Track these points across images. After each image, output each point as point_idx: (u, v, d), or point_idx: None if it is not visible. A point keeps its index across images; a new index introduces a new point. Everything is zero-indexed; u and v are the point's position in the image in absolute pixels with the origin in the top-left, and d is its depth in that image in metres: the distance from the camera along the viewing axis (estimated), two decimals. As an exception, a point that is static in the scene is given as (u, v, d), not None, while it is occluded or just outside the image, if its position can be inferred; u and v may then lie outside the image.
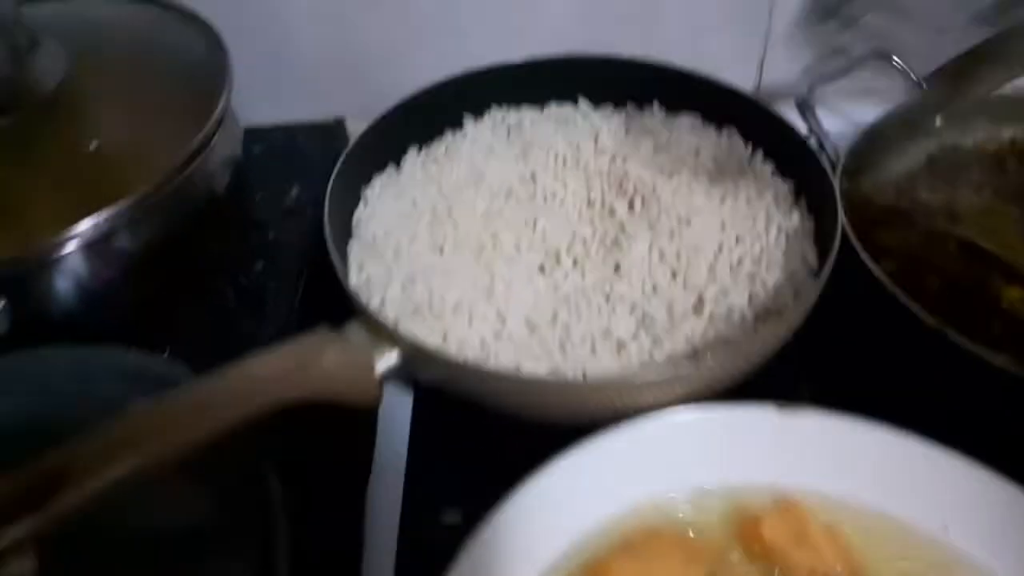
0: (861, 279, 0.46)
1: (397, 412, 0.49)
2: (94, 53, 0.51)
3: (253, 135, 0.63)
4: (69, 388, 0.42)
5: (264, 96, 0.64)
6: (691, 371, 0.43)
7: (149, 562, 0.38)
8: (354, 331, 0.43)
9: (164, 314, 0.51)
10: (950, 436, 0.40)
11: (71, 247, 0.44)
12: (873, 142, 0.53)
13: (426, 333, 0.45)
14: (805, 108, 0.57)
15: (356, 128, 0.65)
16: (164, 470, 0.35)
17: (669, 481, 0.41)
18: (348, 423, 0.46)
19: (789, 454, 0.41)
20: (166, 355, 0.48)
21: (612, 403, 0.41)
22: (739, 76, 0.59)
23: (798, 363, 0.47)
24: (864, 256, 0.46)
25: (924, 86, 0.54)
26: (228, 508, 0.39)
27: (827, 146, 0.54)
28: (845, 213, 0.47)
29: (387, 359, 0.42)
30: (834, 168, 0.51)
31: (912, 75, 0.55)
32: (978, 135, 0.58)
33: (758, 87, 0.68)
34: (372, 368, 0.42)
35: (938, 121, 0.56)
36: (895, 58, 0.56)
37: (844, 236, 0.47)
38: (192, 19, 0.55)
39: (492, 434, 0.46)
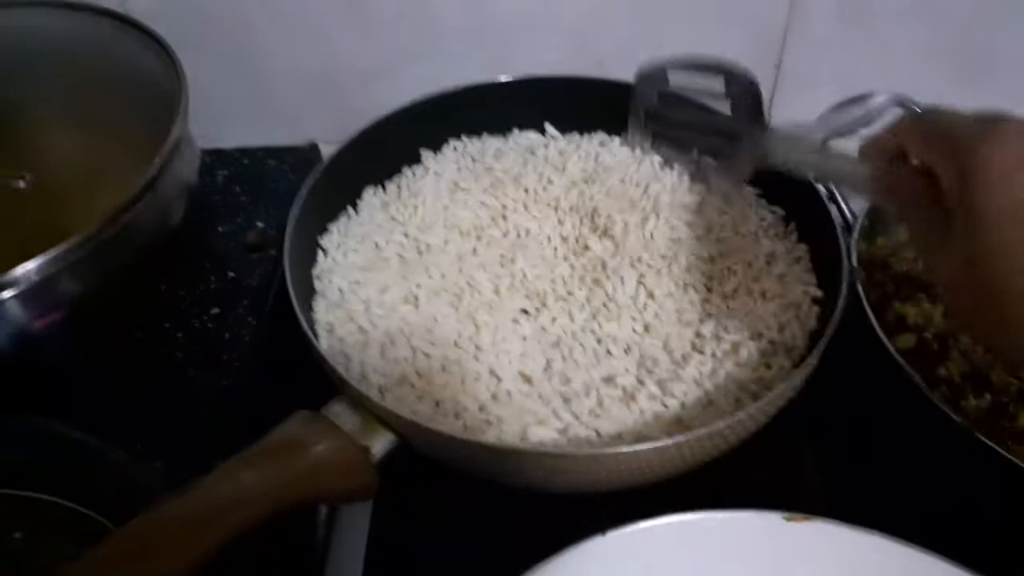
0: (876, 354, 0.41)
1: (354, 518, 0.44)
2: (34, 69, 0.46)
3: (217, 158, 0.59)
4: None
5: (231, 116, 0.59)
6: (709, 429, 0.38)
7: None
8: (340, 411, 0.38)
9: (105, 366, 0.46)
10: (975, 546, 0.35)
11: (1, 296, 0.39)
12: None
13: (415, 401, 0.41)
14: (818, 159, 0.52)
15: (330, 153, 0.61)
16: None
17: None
18: (298, 527, 0.41)
19: (794, 565, 0.36)
20: (110, 411, 0.43)
21: (629, 469, 0.37)
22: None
23: (810, 449, 0.43)
24: (879, 330, 0.41)
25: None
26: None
27: (840, 202, 0.50)
28: (860, 279, 0.43)
29: (383, 442, 0.37)
30: (849, 229, 0.47)
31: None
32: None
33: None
34: (367, 454, 0.37)
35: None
36: (917, 109, 0.51)
37: (858, 304, 0.42)
38: (144, 34, 0.50)
39: (461, 536, 0.42)
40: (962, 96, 0.59)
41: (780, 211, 0.51)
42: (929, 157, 0.34)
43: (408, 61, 0.59)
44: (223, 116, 0.58)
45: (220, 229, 0.54)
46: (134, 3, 0.54)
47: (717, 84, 0.49)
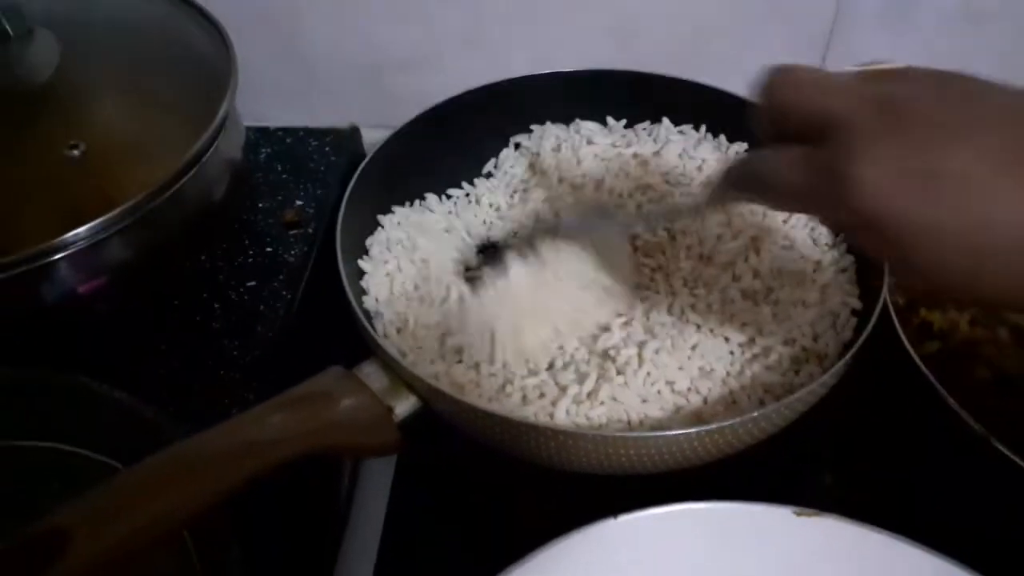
0: (899, 358, 0.41)
1: (378, 474, 0.46)
2: (90, 46, 0.48)
3: (260, 136, 0.60)
4: (25, 412, 0.40)
5: (276, 96, 0.61)
6: (722, 425, 0.38)
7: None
8: (370, 372, 0.39)
9: (143, 329, 0.48)
10: (989, 552, 0.36)
11: (50, 259, 0.41)
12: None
13: (441, 369, 0.42)
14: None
15: (371, 137, 0.62)
16: (171, 532, 0.33)
17: (668, 576, 0.37)
18: (322, 480, 0.43)
19: (804, 560, 0.37)
20: (147, 373, 0.45)
21: (640, 456, 0.38)
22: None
23: (824, 449, 0.44)
24: (903, 337, 0.41)
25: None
26: (186, 567, 0.36)
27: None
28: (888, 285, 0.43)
29: (406, 404, 0.39)
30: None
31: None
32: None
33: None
34: (391, 414, 0.38)
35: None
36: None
37: (884, 309, 0.42)
38: (197, 13, 0.51)
39: (478, 505, 0.43)
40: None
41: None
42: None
43: (450, 50, 0.60)
44: (268, 96, 0.60)
45: (260, 205, 0.56)
46: (189, -17, 0.56)
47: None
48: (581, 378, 0.42)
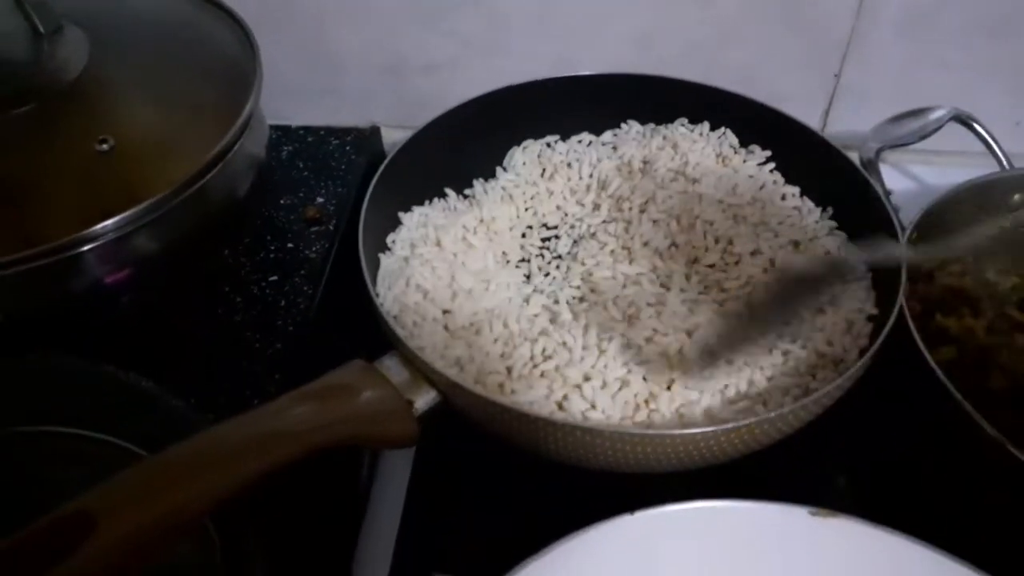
0: (914, 363, 0.42)
1: (397, 466, 0.46)
2: (118, 43, 0.49)
3: (283, 135, 0.61)
4: (51, 400, 0.40)
5: (298, 96, 0.61)
6: (760, 417, 0.38)
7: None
8: (391, 365, 0.40)
9: (167, 321, 0.48)
10: (1004, 557, 0.36)
11: (78, 251, 0.41)
12: (943, 213, 0.49)
13: (461, 365, 0.43)
14: (870, 168, 0.52)
15: (391, 137, 0.63)
16: (194, 520, 0.33)
17: (681, 573, 0.38)
18: (342, 470, 0.43)
19: (818, 560, 0.37)
20: (169, 365, 0.46)
21: (656, 453, 0.38)
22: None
23: (839, 452, 0.44)
24: (920, 341, 0.42)
25: (1005, 162, 0.49)
26: (207, 555, 0.37)
27: (891, 214, 0.50)
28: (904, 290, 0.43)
29: (426, 398, 0.39)
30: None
31: (995, 145, 0.51)
32: (1059, 214, 0.53)
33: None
34: (411, 407, 0.39)
35: (1016, 197, 0.51)
36: (977, 125, 0.51)
37: (901, 314, 0.43)
38: (223, 12, 0.52)
39: (496, 498, 0.44)
40: (1021, 112, 0.59)
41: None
42: None
43: (471, 53, 0.61)
44: (291, 95, 0.61)
45: (282, 202, 0.56)
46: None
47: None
48: (602, 376, 0.42)
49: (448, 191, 0.55)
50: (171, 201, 0.43)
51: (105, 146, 0.44)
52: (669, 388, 0.42)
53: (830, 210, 0.53)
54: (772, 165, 0.55)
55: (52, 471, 0.41)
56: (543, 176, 0.56)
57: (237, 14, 0.52)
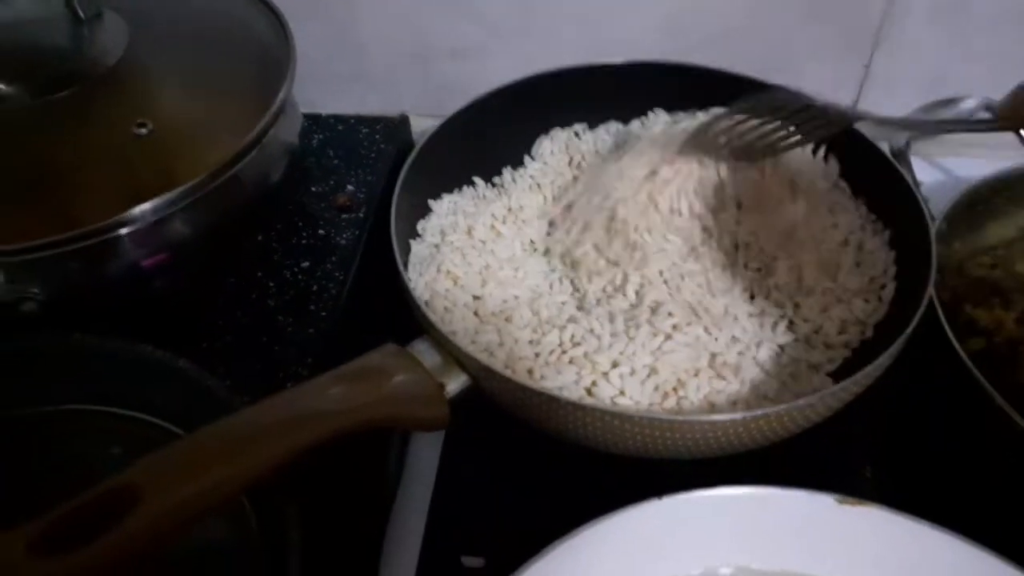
0: (943, 355, 0.42)
1: (426, 451, 0.47)
2: (156, 30, 0.50)
3: (313, 123, 0.62)
4: (91, 378, 0.41)
5: (330, 84, 0.62)
6: (788, 404, 0.38)
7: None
8: (423, 349, 0.40)
9: (201, 304, 0.49)
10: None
11: (116, 233, 0.42)
12: (973, 205, 0.49)
13: (493, 350, 0.44)
14: (900, 158, 0.52)
15: (420, 126, 0.64)
16: (232, 495, 0.34)
17: (709, 559, 0.38)
18: (373, 453, 0.44)
19: (844, 547, 0.37)
20: (203, 347, 0.47)
21: (684, 439, 0.38)
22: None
23: (864, 443, 0.44)
24: (950, 333, 0.42)
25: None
26: (242, 531, 0.38)
27: (920, 201, 0.50)
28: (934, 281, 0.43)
29: (458, 382, 0.40)
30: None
31: (1025, 136, 0.50)
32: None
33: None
34: (442, 390, 0.40)
35: (1048, 188, 0.51)
36: (1008, 115, 0.51)
37: (930, 305, 0.43)
38: (260, 2, 0.53)
39: (524, 482, 0.44)
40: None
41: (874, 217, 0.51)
42: None
43: (500, 41, 0.61)
44: (321, 83, 0.61)
45: (313, 189, 0.57)
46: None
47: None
48: (631, 363, 0.43)
49: (476, 180, 0.55)
50: (207, 185, 0.44)
51: (143, 130, 0.45)
52: (697, 375, 0.43)
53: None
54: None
55: (92, 448, 0.42)
56: (570, 165, 0.56)
57: (271, 1, 0.53)
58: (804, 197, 0.50)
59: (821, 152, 0.53)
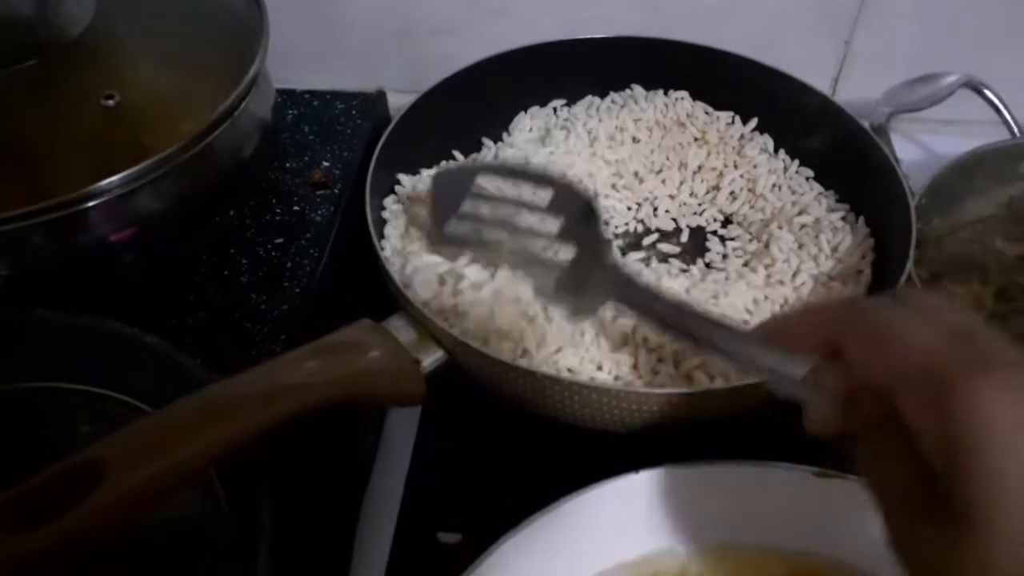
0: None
1: (402, 427, 0.46)
2: (125, 1, 0.48)
3: (288, 98, 0.61)
4: (58, 355, 0.40)
5: (304, 59, 0.61)
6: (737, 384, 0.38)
7: (129, 557, 0.36)
8: (399, 325, 0.40)
9: (173, 281, 0.48)
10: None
11: (83, 206, 0.41)
12: (953, 181, 0.49)
13: (467, 325, 0.43)
14: (880, 134, 0.52)
15: (397, 102, 0.63)
16: (201, 470, 0.33)
17: (685, 533, 0.38)
18: (348, 430, 0.43)
19: (823, 520, 0.37)
20: (174, 324, 0.46)
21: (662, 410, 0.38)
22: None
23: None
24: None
25: (1016, 130, 0.49)
26: (213, 508, 0.37)
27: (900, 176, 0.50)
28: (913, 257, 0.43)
29: (433, 357, 0.39)
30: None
31: (1005, 112, 0.50)
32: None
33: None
34: (418, 365, 0.39)
35: (1026, 165, 0.51)
36: (988, 91, 0.51)
37: (910, 282, 0.43)
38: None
39: (501, 458, 0.44)
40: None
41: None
42: (884, 379, 0.24)
43: (478, 16, 0.60)
44: (297, 58, 0.60)
45: (288, 165, 0.56)
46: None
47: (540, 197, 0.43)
48: (610, 338, 0.42)
49: (455, 154, 0.54)
50: (176, 159, 0.43)
51: (111, 102, 0.44)
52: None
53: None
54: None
55: (59, 426, 0.41)
56: (546, 143, 0.55)
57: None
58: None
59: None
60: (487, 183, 0.45)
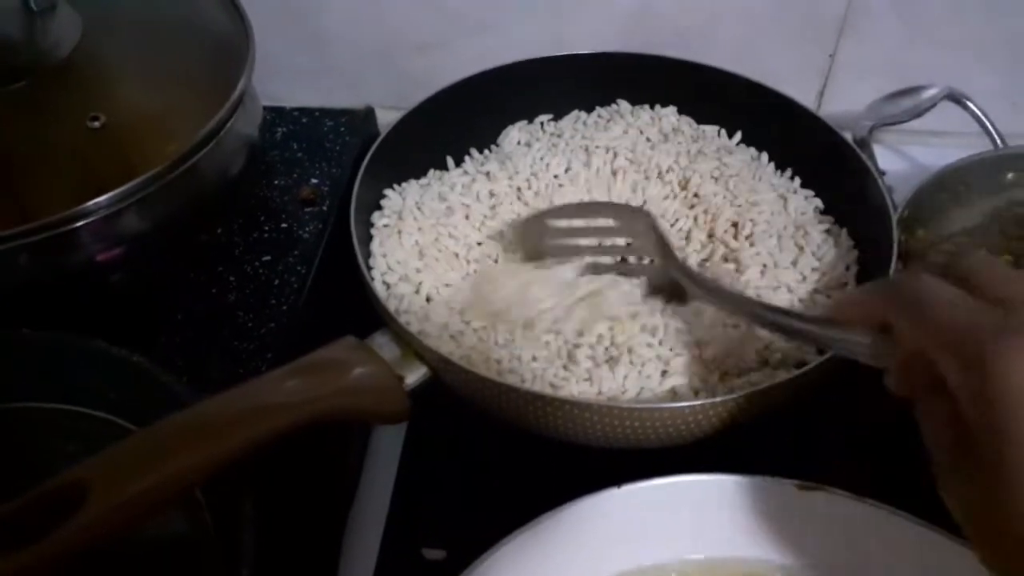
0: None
1: (387, 443, 0.47)
2: (111, 21, 0.49)
3: (277, 115, 0.61)
4: (43, 375, 0.41)
5: (292, 77, 0.61)
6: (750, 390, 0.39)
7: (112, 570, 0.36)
8: (383, 343, 0.40)
9: (160, 299, 0.49)
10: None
11: (70, 227, 0.41)
12: (937, 192, 0.49)
13: (451, 343, 0.43)
14: (863, 147, 0.52)
15: (386, 119, 0.63)
16: (185, 489, 0.33)
17: (667, 548, 0.38)
18: (333, 446, 0.43)
19: (805, 533, 0.37)
20: (162, 342, 0.46)
21: (645, 427, 0.38)
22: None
23: (827, 430, 0.44)
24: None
25: (999, 140, 0.49)
26: (197, 527, 0.37)
27: (884, 191, 0.50)
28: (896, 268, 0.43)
29: (417, 374, 0.40)
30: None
31: (988, 124, 0.50)
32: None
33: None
34: (401, 383, 0.39)
35: (1010, 176, 0.51)
36: (970, 103, 0.51)
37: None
38: (216, -8, 0.52)
39: (485, 474, 0.44)
40: (1015, 90, 0.59)
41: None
42: (927, 347, 0.28)
43: (464, 33, 0.61)
44: (285, 76, 0.61)
45: (276, 182, 0.56)
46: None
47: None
48: (593, 354, 0.42)
49: (440, 172, 0.55)
50: (163, 178, 0.43)
51: (97, 123, 0.44)
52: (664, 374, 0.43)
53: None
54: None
55: (43, 446, 0.41)
56: (534, 157, 0.56)
57: (230, -6, 0.52)
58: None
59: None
60: (558, 223, 0.48)
